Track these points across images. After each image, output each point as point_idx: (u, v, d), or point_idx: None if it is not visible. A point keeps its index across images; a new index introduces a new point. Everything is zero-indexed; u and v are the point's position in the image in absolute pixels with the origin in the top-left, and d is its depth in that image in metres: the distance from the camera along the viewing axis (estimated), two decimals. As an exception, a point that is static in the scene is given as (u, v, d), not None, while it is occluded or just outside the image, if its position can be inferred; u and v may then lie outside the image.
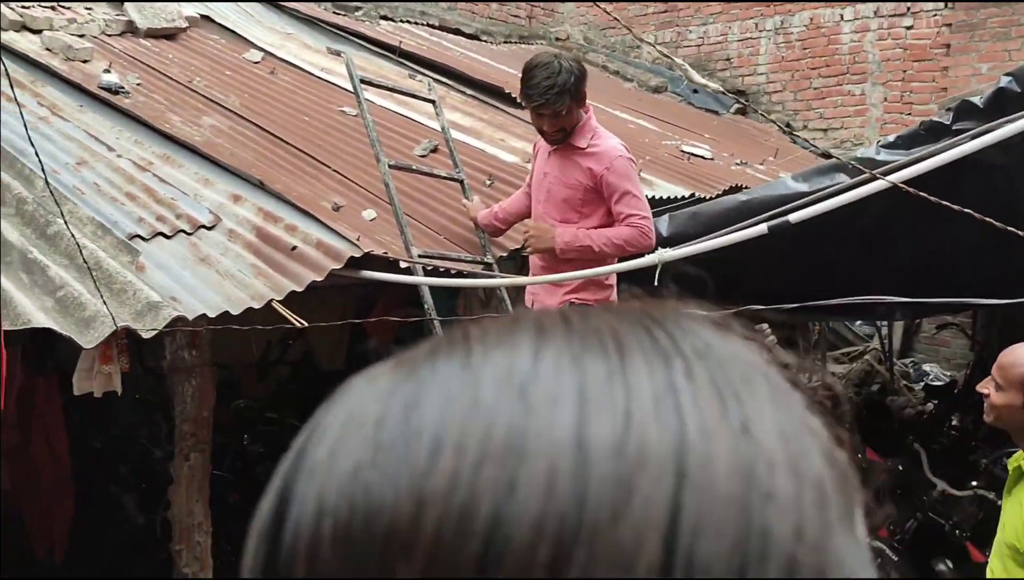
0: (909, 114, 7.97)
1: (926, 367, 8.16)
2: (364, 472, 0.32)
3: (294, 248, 3.61)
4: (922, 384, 7.72)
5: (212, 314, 3.19)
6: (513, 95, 5.65)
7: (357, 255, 3.57)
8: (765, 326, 5.86)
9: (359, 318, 4.81)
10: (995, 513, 2.91)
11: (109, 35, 5.77)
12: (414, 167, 4.37)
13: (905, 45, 8.14)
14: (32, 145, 3.25)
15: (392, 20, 8.15)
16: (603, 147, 3.57)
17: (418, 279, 3.73)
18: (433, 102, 4.69)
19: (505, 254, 4.18)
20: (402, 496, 0.30)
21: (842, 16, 8.48)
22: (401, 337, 4.69)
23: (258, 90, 5.48)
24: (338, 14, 7.68)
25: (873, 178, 3.06)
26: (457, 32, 8.65)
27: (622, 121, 6.72)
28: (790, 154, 6.97)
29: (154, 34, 5.96)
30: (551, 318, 0.36)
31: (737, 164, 6.30)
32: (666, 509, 0.29)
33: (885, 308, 5.53)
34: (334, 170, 4.50)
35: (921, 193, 2.76)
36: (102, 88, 4.81)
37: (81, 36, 5.53)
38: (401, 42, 6.94)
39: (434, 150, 4.84)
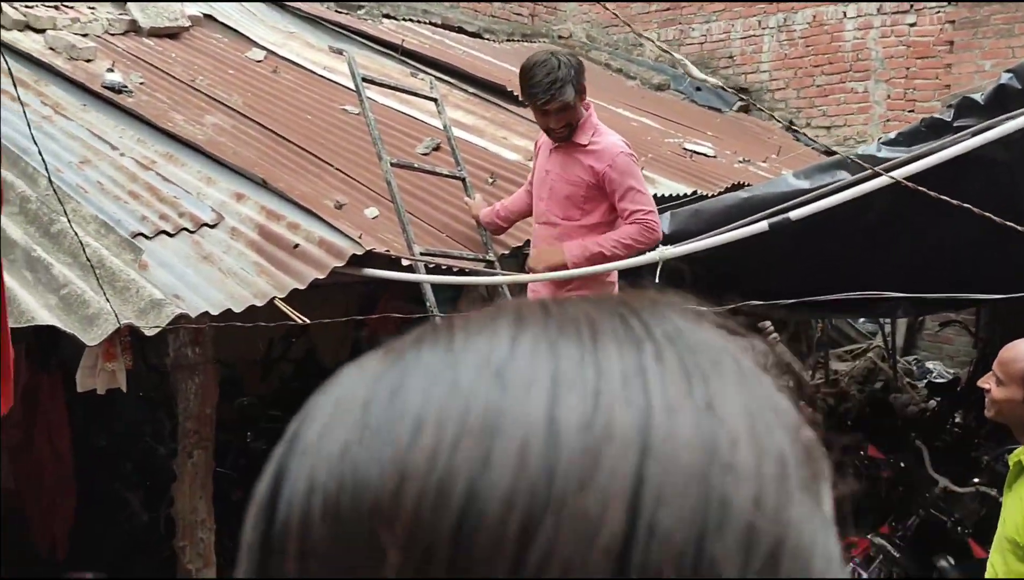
0: (912, 111, 7.96)
1: (929, 364, 8.17)
2: (352, 451, 0.33)
3: (296, 246, 3.62)
4: (925, 381, 7.74)
5: (215, 312, 3.21)
6: (515, 93, 5.65)
7: (359, 253, 3.58)
8: (767, 323, 5.88)
9: (362, 315, 4.83)
10: (997, 509, 2.91)
11: (112, 34, 5.79)
12: (416, 165, 4.38)
13: (908, 42, 8.13)
14: (35, 144, 3.26)
15: (394, 18, 8.16)
16: (604, 144, 3.57)
17: (420, 277, 3.74)
18: (435, 100, 4.70)
19: (507, 252, 4.19)
20: (386, 473, 0.32)
21: (845, 13, 8.47)
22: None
23: (261, 89, 5.49)
24: (340, 12, 7.69)
25: (875, 175, 3.07)
26: (459, 30, 8.65)
27: (625, 119, 6.72)
28: (793, 152, 6.97)
29: (157, 33, 5.98)
30: (531, 307, 0.37)
31: (740, 162, 6.29)
32: (630, 479, 0.31)
33: (887, 305, 5.53)
34: (336, 168, 4.51)
35: (920, 188, 2.76)
36: (105, 87, 4.83)
37: (84, 35, 5.55)
38: (403, 40, 6.94)
39: (436, 148, 4.85)
